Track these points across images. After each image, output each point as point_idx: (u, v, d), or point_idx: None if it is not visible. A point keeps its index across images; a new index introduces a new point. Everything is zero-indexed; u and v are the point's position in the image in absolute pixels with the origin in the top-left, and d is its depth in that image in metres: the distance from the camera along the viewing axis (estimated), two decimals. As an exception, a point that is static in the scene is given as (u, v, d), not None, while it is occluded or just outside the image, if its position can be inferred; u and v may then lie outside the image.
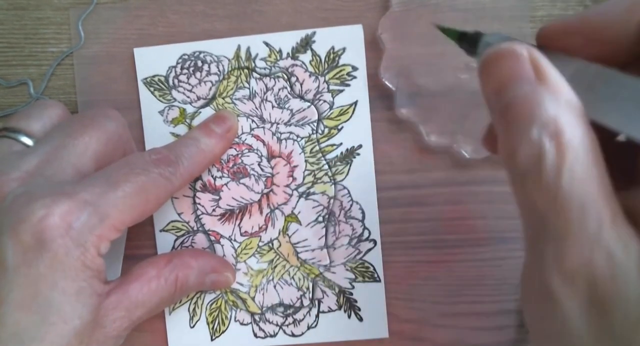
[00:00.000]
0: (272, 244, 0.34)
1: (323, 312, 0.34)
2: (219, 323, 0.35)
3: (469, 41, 0.23)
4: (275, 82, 0.34)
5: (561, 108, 0.17)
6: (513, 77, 0.18)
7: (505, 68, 0.19)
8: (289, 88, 0.34)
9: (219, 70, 0.34)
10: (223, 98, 0.34)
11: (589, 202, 0.16)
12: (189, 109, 0.35)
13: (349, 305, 0.34)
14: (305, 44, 0.34)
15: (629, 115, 0.17)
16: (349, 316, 0.34)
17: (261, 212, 0.34)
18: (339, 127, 0.34)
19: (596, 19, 0.19)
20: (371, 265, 0.34)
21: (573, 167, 0.17)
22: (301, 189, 0.34)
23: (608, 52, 0.19)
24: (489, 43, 0.21)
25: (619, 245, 0.16)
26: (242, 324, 0.35)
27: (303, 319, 0.34)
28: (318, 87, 0.34)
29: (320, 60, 0.34)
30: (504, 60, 0.19)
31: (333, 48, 0.34)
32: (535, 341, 0.19)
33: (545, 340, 0.18)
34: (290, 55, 0.34)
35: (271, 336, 0.35)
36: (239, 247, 0.35)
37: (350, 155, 0.34)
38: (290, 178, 0.34)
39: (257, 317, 0.35)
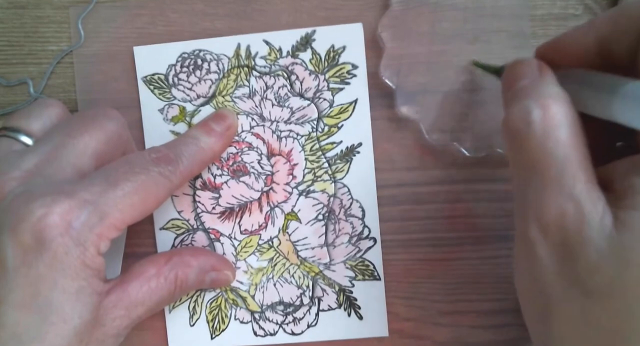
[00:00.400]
0: (272, 242, 0.34)
1: (323, 310, 0.34)
2: (219, 321, 0.35)
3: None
4: (275, 80, 0.34)
5: (552, 93, 0.22)
6: (524, 74, 0.24)
7: (520, 69, 0.25)
8: (289, 87, 0.34)
9: (218, 69, 0.34)
10: (223, 96, 0.34)
11: (568, 162, 0.21)
12: (189, 107, 0.35)
13: (348, 303, 0.34)
14: (305, 43, 0.34)
15: (592, 100, 0.22)
16: (349, 315, 0.34)
17: (261, 210, 0.34)
18: (339, 125, 0.34)
19: (567, 40, 0.25)
20: (371, 263, 0.34)
21: (557, 132, 0.21)
22: (301, 187, 0.34)
23: (581, 63, 0.24)
24: None
25: (588, 201, 0.20)
26: (242, 322, 0.35)
27: (303, 317, 0.34)
28: (318, 85, 0.34)
29: (320, 58, 0.34)
30: (521, 65, 0.25)
31: (333, 46, 0.34)
32: (516, 277, 0.23)
33: (523, 277, 0.22)
34: (290, 53, 0.34)
35: (271, 334, 0.35)
36: (238, 245, 0.35)
37: (350, 153, 0.34)
38: (290, 176, 0.34)
39: (257, 315, 0.35)
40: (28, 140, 0.29)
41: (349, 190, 0.34)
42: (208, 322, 0.35)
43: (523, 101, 0.22)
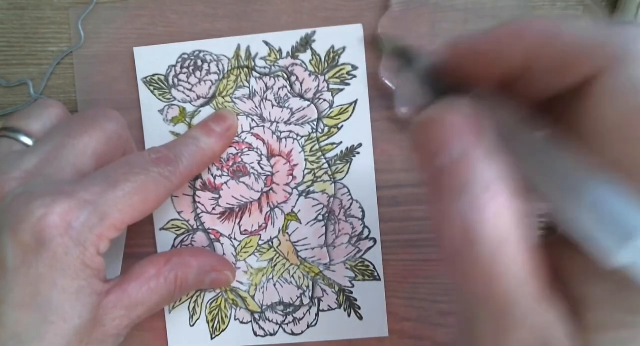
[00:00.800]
0: (272, 243, 0.35)
1: (323, 311, 0.34)
2: (218, 321, 0.35)
3: (404, 57, 0.21)
4: (275, 81, 0.34)
5: (494, 182, 0.16)
6: (448, 140, 0.16)
7: (441, 129, 0.17)
8: (288, 88, 0.34)
9: (218, 70, 0.35)
10: (223, 97, 0.35)
11: (523, 287, 0.16)
12: (189, 108, 0.35)
13: (348, 303, 0.34)
14: (305, 43, 0.34)
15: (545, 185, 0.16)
16: (349, 315, 0.34)
17: (261, 211, 0.34)
18: (339, 126, 0.34)
19: (488, 47, 0.18)
20: (371, 263, 0.34)
21: (507, 249, 0.16)
22: (301, 188, 0.34)
23: (501, 75, 0.18)
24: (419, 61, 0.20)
25: (547, 327, 0.16)
26: (242, 323, 0.35)
27: (303, 318, 0.34)
28: (318, 86, 0.34)
29: (320, 59, 0.34)
30: (443, 121, 0.17)
31: (333, 47, 0.34)
32: None
33: None
34: (290, 54, 0.34)
35: (271, 334, 0.35)
36: (238, 245, 0.35)
37: (350, 154, 0.34)
38: (290, 177, 0.34)
39: (257, 316, 0.35)
40: (28, 141, 0.29)
41: (349, 191, 0.34)
42: (208, 322, 0.35)
43: (455, 203, 0.16)
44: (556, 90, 0.17)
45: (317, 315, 0.34)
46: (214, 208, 0.35)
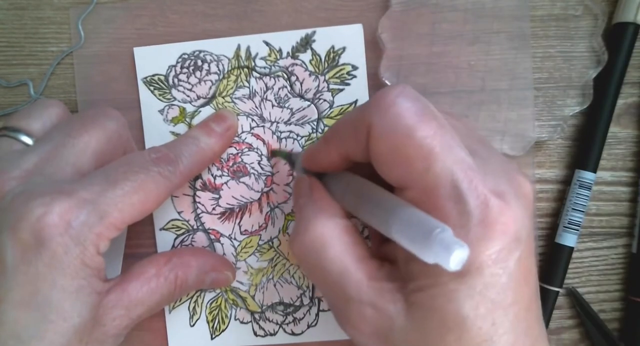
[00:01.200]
0: (272, 243, 0.34)
1: (323, 311, 0.34)
2: (219, 321, 0.35)
3: (291, 159, 0.32)
4: (275, 81, 0.34)
5: (319, 213, 0.25)
6: (300, 192, 0.28)
7: (298, 186, 0.29)
8: (289, 88, 0.34)
9: (219, 70, 0.35)
10: (223, 97, 0.35)
11: (347, 274, 0.24)
12: (189, 108, 0.35)
13: (348, 303, 0.34)
14: (305, 43, 0.34)
15: (356, 204, 0.25)
16: (349, 315, 0.34)
17: (261, 211, 0.34)
18: (339, 126, 0.34)
19: (318, 156, 0.27)
20: (371, 264, 0.34)
21: (328, 252, 0.24)
22: (301, 188, 0.34)
23: (336, 170, 0.27)
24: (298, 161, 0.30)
25: (378, 298, 0.23)
26: (242, 323, 0.35)
27: (303, 318, 0.34)
28: (318, 86, 0.34)
29: (320, 59, 0.34)
30: (299, 182, 0.29)
31: (333, 47, 0.34)
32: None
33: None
34: (290, 54, 0.34)
35: (271, 334, 0.35)
36: (239, 245, 0.35)
37: (350, 154, 0.34)
38: (290, 177, 0.34)
39: (257, 316, 0.35)
40: (28, 140, 0.29)
41: (349, 191, 0.34)
42: (208, 322, 0.35)
43: (298, 225, 0.26)
44: (362, 158, 0.24)
45: (317, 315, 0.34)
46: (214, 208, 0.35)
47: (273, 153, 0.34)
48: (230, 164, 0.34)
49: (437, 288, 0.21)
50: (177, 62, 0.35)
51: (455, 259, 0.18)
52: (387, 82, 0.33)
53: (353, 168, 0.26)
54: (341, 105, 0.34)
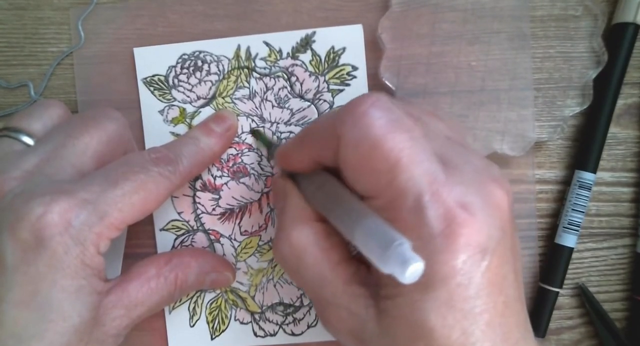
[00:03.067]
0: (272, 243, 0.34)
1: (323, 311, 0.34)
2: (219, 322, 0.35)
3: (270, 149, 0.33)
4: (275, 82, 0.34)
5: (295, 219, 0.26)
6: (277, 195, 0.29)
7: (275, 188, 0.30)
8: (289, 88, 0.34)
9: (219, 70, 0.35)
10: (223, 97, 0.35)
11: (323, 279, 0.25)
12: (189, 109, 0.35)
13: (348, 304, 0.34)
14: (305, 44, 0.34)
15: (327, 204, 0.25)
16: (349, 316, 0.34)
17: (261, 211, 0.34)
18: (339, 126, 0.34)
19: (292, 156, 0.28)
20: (371, 264, 0.34)
21: (305, 258, 0.25)
22: (301, 188, 0.34)
23: (308, 170, 0.27)
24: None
25: (352, 302, 0.24)
26: (242, 323, 0.35)
27: (303, 318, 0.34)
28: (318, 86, 0.34)
29: (320, 59, 0.34)
30: (275, 183, 0.30)
31: (333, 48, 0.34)
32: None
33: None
34: (290, 54, 0.34)
35: (271, 335, 0.35)
36: (238, 246, 0.35)
37: (350, 154, 0.34)
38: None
39: (257, 316, 0.35)
40: (29, 141, 0.29)
41: (349, 191, 0.34)
42: (208, 323, 0.35)
43: (277, 232, 0.27)
44: (332, 164, 0.25)
45: (317, 315, 0.34)
46: (214, 209, 0.35)
47: (253, 133, 0.34)
48: (230, 165, 0.34)
49: (402, 297, 0.22)
50: (177, 63, 0.35)
51: (410, 272, 0.18)
52: (387, 82, 0.33)
53: (328, 168, 0.27)
54: (341, 106, 0.34)
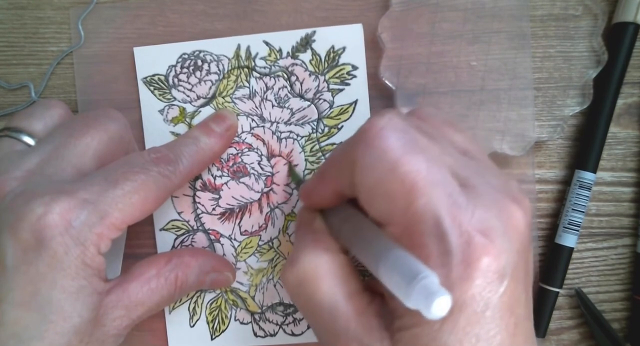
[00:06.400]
0: (272, 243, 0.34)
1: (323, 311, 0.34)
2: (219, 322, 0.35)
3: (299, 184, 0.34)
4: (275, 81, 0.34)
5: (314, 244, 0.25)
6: (302, 222, 0.29)
7: (300, 217, 0.29)
8: (289, 88, 0.34)
9: (219, 70, 0.35)
10: (223, 97, 0.34)
11: (337, 310, 0.23)
12: (189, 108, 0.35)
13: (349, 304, 0.34)
14: (305, 43, 0.34)
15: (351, 239, 0.25)
16: (349, 316, 0.34)
17: (261, 211, 0.34)
18: (339, 126, 0.34)
19: (316, 192, 0.28)
20: (371, 264, 0.34)
21: (321, 287, 0.24)
22: (301, 188, 0.34)
23: (332, 204, 0.27)
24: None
25: (365, 335, 0.23)
26: (242, 323, 0.35)
27: (303, 318, 0.34)
28: (318, 86, 0.34)
29: (320, 59, 0.34)
30: (302, 213, 0.30)
31: (333, 47, 0.34)
32: None
33: None
34: (290, 54, 0.34)
35: (271, 335, 0.35)
36: (239, 246, 0.35)
37: (350, 154, 0.34)
38: (290, 177, 0.34)
39: (257, 316, 0.35)
40: (30, 141, 0.29)
41: (349, 191, 0.34)
42: (208, 323, 0.35)
43: (292, 255, 0.26)
44: (351, 193, 0.24)
45: None
46: (214, 209, 0.35)
47: (290, 172, 0.34)
48: (230, 164, 0.34)
49: (420, 327, 0.21)
50: (177, 62, 0.35)
51: (436, 307, 0.18)
52: (387, 81, 0.33)
53: (354, 201, 0.26)
54: (341, 105, 0.34)
